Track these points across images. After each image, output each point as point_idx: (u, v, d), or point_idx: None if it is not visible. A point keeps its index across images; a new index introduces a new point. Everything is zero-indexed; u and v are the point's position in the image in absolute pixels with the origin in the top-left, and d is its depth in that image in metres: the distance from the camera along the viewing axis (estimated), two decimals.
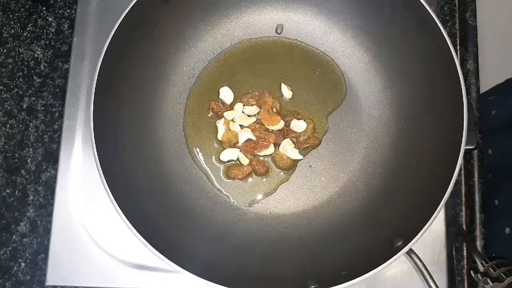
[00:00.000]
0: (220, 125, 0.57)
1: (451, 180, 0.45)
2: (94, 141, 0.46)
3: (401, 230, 0.47)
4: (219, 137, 0.57)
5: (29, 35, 0.63)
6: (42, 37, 0.63)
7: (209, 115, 0.58)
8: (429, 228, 0.44)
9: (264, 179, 0.56)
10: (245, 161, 0.56)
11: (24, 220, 0.58)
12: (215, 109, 0.57)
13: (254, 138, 0.56)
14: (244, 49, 0.60)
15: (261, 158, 0.56)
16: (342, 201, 0.55)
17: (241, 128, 0.57)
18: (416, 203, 0.49)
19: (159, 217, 0.51)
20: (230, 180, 0.56)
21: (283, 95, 0.58)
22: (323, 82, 0.58)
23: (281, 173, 0.56)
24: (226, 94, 0.58)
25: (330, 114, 0.58)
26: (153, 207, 0.51)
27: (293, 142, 0.57)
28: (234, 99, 0.58)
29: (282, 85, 0.58)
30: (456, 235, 0.57)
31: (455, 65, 0.47)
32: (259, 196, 0.56)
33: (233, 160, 0.56)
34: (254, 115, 0.57)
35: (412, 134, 0.54)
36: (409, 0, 0.49)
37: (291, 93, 0.58)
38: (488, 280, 0.48)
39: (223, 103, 0.58)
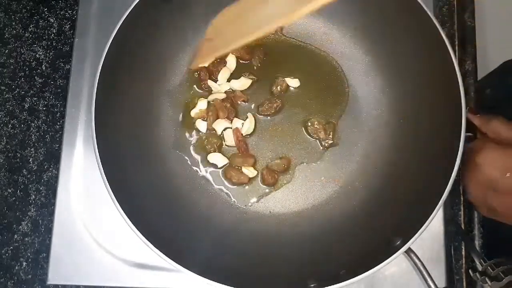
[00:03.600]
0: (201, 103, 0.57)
1: (449, 179, 0.45)
2: (95, 141, 0.47)
3: (400, 229, 0.47)
4: (192, 113, 0.57)
5: (30, 35, 0.64)
6: (44, 37, 0.63)
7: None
8: (428, 228, 0.45)
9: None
10: (252, 173, 0.56)
11: (25, 219, 0.59)
12: (202, 77, 0.57)
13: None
14: None
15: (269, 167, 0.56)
16: (342, 201, 0.55)
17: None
18: (414, 203, 0.50)
19: (160, 216, 0.51)
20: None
21: (289, 86, 0.58)
22: (323, 82, 0.59)
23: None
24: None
25: (335, 114, 0.58)
26: (154, 206, 0.51)
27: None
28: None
29: (286, 78, 0.58)
30: (454, 234, 0.58)
31: (453, 66, 0.48)
32: (259, 196, 0.56)
33: (223, 165, 0.56)
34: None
35: (411, 134, 0.54)
36: (408, 2, 0.50)
37: (297, 79, 0.58)
38: (487, 279, 0.49)
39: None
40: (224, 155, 0.56)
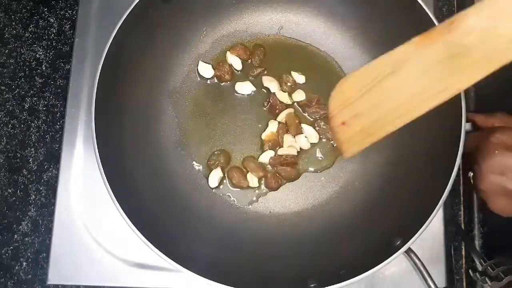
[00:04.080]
0: (273, 125, 0.57)
1: (449, 179, 0.45)
2: (95, 141, 0.47)
3: (400, 229, 0.47)
4: (263, 136, 0.57)
5: (30, 35, 0.64)
6: (44, 37, 0.64)
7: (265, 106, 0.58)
8: (428, 228, 0.45)
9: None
10: (253, 183, 0.56)
11: (25, 219, 0.59)
12: (272, 103, 0.57)
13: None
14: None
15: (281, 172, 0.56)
16: (342, 201, 0.55)
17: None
18: (414, 203, 0.50)
19: (160, 216, 0.51)
20: None
21: (296, 81, 0.58)
22: (323, 82, 0.59)
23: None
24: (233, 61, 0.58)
25: None
26: (154, 206, 0.51)
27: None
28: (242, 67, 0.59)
29: (292, 72, 0.58)
30: (454, 234, 0.58)
31: None
32: (259, 196, 0.56)
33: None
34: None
35: (411, 134, 0.54)
36: (408, 2, 0.50)
37: (303, 76, 0.58)
38: (487, 279, 0.49)
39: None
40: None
